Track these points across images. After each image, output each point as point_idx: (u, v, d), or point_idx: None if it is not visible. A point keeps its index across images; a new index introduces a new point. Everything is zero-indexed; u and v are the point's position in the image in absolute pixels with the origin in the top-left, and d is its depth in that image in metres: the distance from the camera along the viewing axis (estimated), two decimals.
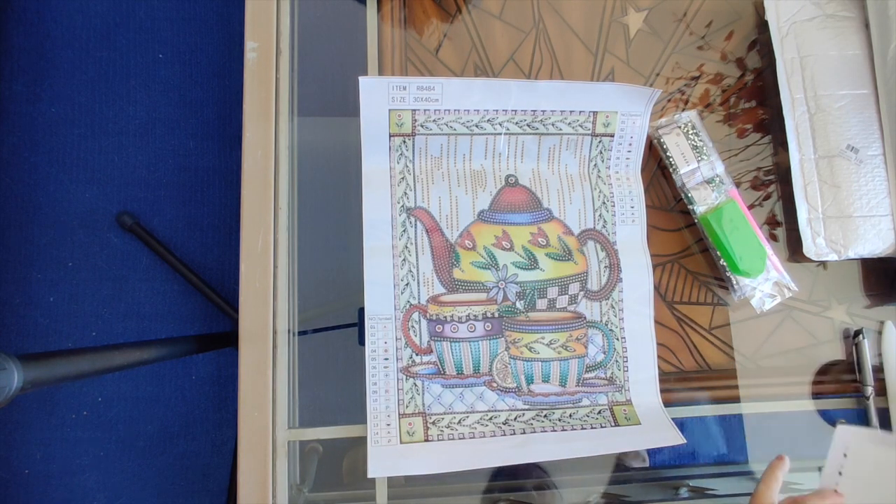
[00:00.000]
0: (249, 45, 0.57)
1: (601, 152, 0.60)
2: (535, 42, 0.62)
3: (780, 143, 0.62)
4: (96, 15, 1.15)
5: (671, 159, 0.59)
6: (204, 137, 1.14)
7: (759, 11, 0.64)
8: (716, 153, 0.60)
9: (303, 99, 0.59)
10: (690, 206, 0.59)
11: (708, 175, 0.59)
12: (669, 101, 0.63)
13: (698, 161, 0.59)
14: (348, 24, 0.61)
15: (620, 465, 0.71)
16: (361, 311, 0.56)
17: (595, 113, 0.59)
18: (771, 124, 0.63)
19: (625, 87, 0.58)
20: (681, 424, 0.55)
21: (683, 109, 0.63)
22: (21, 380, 0.47)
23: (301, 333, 0.57)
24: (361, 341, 0.55)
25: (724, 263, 0.58)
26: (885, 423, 0.60)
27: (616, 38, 0.63)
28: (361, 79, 0.55)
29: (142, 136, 1.13)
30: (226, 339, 0.93)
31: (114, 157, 1.12)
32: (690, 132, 0.60)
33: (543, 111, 0.58)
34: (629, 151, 0.60)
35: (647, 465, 0.72)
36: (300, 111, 0.59)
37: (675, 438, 0.54)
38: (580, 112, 0.58)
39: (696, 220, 0.59)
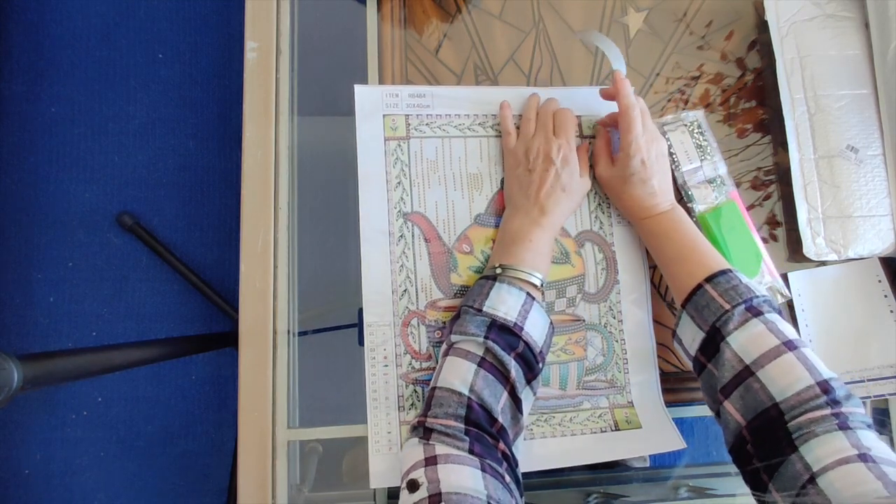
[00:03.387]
0: (249, 45, 0.57)
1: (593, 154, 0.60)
2: (535, 42, 0.62)
3: (780, 143, 0.62)
4: (96, 15, 1.15)
5: (674, 156, 0.59)
6: (204, 137, 1.15)
7: (759, 11, 0.64)
8: (720, 154, 0.60)
9: (303, 99, 0.59)
10: (690, 204, 0.59)
11: (710, 175, 0.59)
12: (670, 100, 0.63)
13: (701, 160, 0.59)
14: (348, 24, 0.61)
15: (620, 465, 0.71)
16: (361, 311, 0.56)
17: (579, 116, 0.59)
18: (771, 124, 0.63)
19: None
20: (681, 424, 0.55)
21: (684, 109, 0.62)
22: (21, 380, 0.47)
23: (301, 333, 0.57)
24: (361, 341, 0.55)
25: None
26: (884, 423, 0.60)
27: (616, 38, 0.63)
28: (357, 87, 0.56)
29: (142, 136, 1.13)
30: (226, 339, 0.93)
31: (114, 157, 1.13)
32: (696, 131, 0.60)
33: None
34: None
35: (647, 465, 0.72)
36: (300, 111, 0.59)
37: (677, 443, 0.53)
38: None
39: (694, 219, 0.59)
